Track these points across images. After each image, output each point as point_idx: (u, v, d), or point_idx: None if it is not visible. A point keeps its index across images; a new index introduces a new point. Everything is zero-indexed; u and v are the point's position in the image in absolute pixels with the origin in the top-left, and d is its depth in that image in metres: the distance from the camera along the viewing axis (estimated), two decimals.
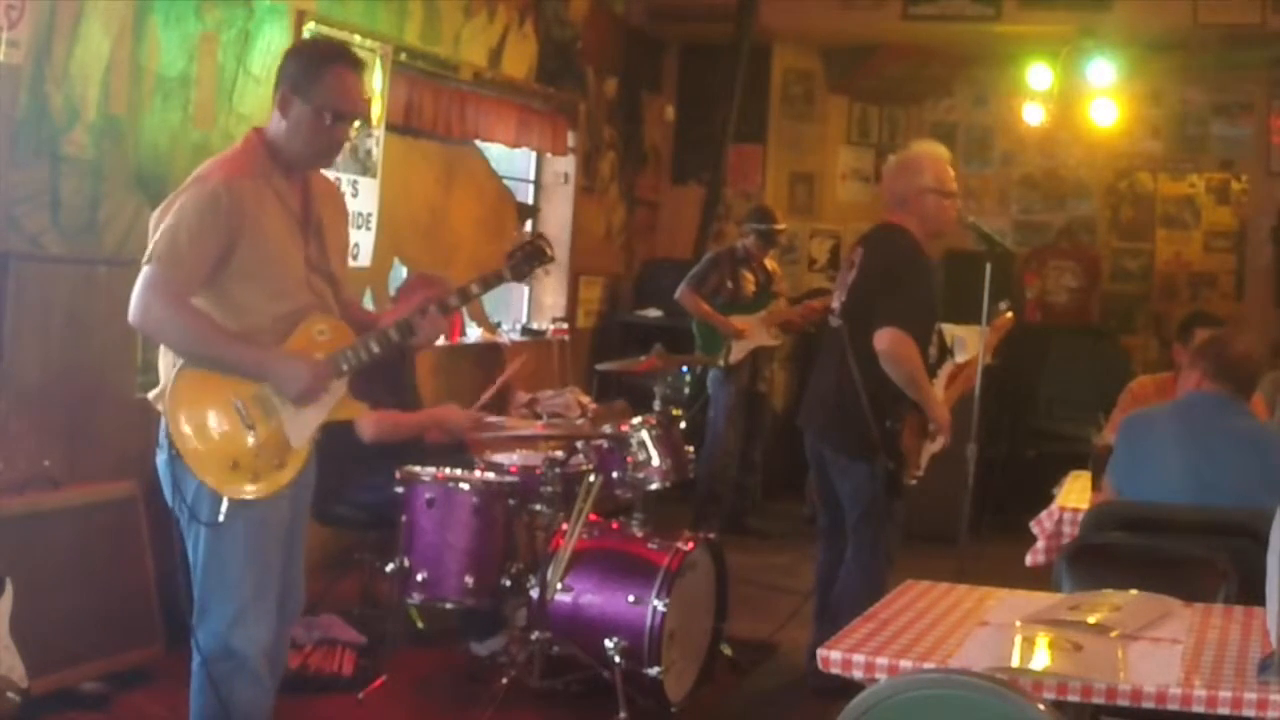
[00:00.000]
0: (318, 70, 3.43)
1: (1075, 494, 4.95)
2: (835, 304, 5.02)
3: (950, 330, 7.86)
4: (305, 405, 3.42)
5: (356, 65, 3.51)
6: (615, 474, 4.99)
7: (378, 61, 6.37)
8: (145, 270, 3.30)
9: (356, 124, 3.53)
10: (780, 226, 7.92)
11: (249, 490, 3.35)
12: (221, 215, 3.29)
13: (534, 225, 8.56)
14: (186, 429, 3.32)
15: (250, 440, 3.36)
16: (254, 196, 3.35)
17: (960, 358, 5.25)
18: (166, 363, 3.39)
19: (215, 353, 3.34)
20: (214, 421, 3.34)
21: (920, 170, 4.91)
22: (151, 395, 3.40)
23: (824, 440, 4.98)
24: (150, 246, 3.31)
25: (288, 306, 3.42)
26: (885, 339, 4.65)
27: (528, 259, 3.80)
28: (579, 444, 5.11)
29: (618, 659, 4.56)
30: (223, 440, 3.34)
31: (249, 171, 3.38)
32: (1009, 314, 5.28)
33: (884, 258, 4.85)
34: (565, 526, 4.82)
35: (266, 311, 3.39)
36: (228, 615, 3.37)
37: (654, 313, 9.02)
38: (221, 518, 3.32)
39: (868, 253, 4.93)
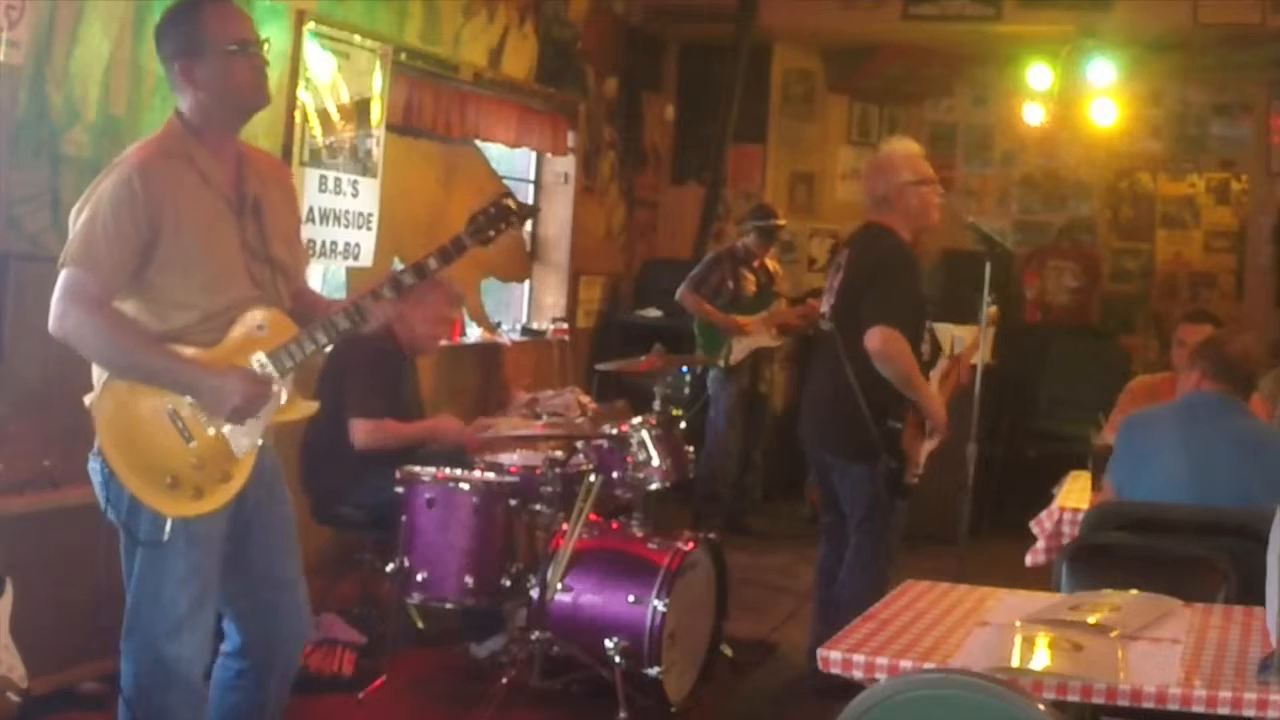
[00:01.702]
0: (194, 21, 3.16)
1: (1075, 494, 4.94)
2: (825, 308, 5.03)
3: (950, 330, 7.86)
4: (244, 419, 3.16)
5: None
6: (615, 474, 4.99)
7: (378, 61, 6.37)
8: (61, 274, 3.05)
9: (266, 45, 3.23)
10: (781, 222, 7.93)
11: (193, 508, 3.12)
12: (139, 203, 3.03)
13: (534, 225, 8.56)
14: (119, 445, 3.10)
15: (189, 453, 3.12)
16: (172, 179, 3.10)
17: (951, 351, 5.25)
18: (97, 370, 3.16)
19: (139, 364, 3.09)
20: (148, 435, 3.10)
21: (896, 168, 4.93)
22: (87, 400, 3.16)
23: (823, 444, 4.99)
24: (65, 247, 3.08)
25: (223, 300, 3.15)
26: (876, 338, 4.65)
27: (490, 221, 3.37)
28: (579, 444, 5.11)
29: (618, 659, 4.56)
30: (159, 456, 3.10)
31: (167, 151, 3.14)
32: (994, 308, 5.29)
33: (870, 258, 4.85)
34: (565, 526, 4.82)
35: (200, 306, 3.13)
36: (161, 630, 3.16)
37: (654, 313, 9.02)
38: (165, 537, 3.10)
39: (854, 254, 4.94)
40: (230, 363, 3.16)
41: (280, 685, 3.45)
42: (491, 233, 3.39)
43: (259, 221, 3.24)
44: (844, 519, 4.98)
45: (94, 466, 3.18)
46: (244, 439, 3.20)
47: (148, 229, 3.07)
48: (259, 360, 3.20)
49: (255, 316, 3.20)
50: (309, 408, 3.39)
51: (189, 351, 3.15)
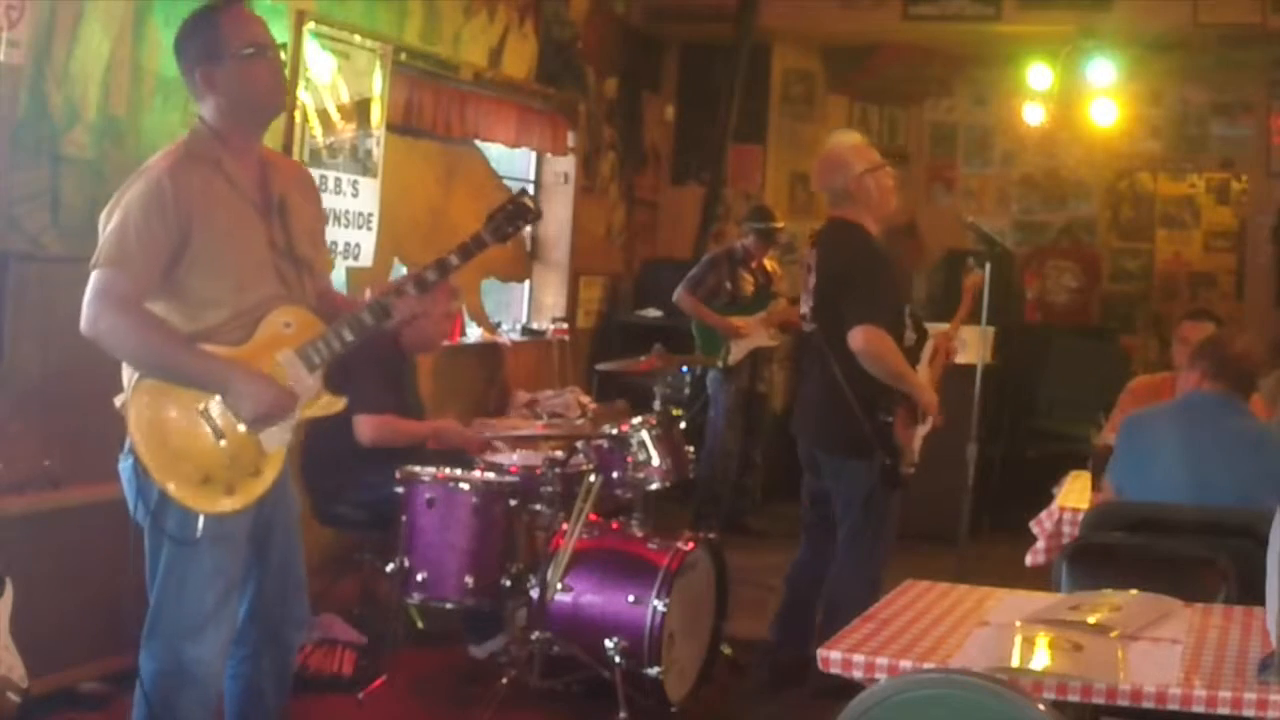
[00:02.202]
0: (211, 27, 3.26)
1: (1075, 494, 4.95)
2: (805, 310, 5.03)
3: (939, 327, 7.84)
4: (264, 427, 3.22)
5: (240, 1, 3.36)
6: (615, 474, 4.99)
7: (378, 61, 6.37)
8: (93, 276, 3.13)
9: (283, 49, 3.35)
10: (779, 225, 7.94)
11: (225, 504, 3.18)
12: (169, 207, 3.11)
13: (534, 225, 8.57)
14: (151, 443, 3.14)
15: (220, 450, 3.18)
16: (201, 183, 3.18)
17: (936, 330, 5.25)
18: (127, 370, 3.22)
19: (170, 364, 3.15)
20: (180, 433, 3.16)
21: (848, 160, 4.94)
22: (117, 401, 3.22)
23: (817, 443, 4.98)
24: (97, 250, 3.15)
25: (252, 298, 3.23)
26: (859, 338, 4.66)
27: (509, 219, 3.46)
28: (579, 444, 5.11)
29: (618, 659, 4.56)
30: (191, 453, 3.16)
31: (193, 156, 3.22)
32: (978, 274, 5.30)
33: (839, 256, 4.86)
34: (565, 526, 4.82)
35: (229, 305, 3.20)
36: (184, 629, 3.21)
37: (654, 313, 9.02)
38: (199, 534, 3.15)
39: (822, 254, 4.94)
40: (259, 362, 3.23)
41: (278, 668, 3.51)
42: (510, 230, 3.47)
43: (285, 222, 3.31)
44: (826, 518, 4.99)
45: (124, 466, 3.23)
46: (275, 435, 3.26)
47: (177, 230, 3.13)
48: (286, 357, 3.26)
49: (282, 315, 3.27)
50: (336, 403, 3.44)
51: (219, 350, 3.21)
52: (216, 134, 3.27)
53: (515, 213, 3.47)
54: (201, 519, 3.16)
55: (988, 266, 5.08)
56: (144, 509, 3.20)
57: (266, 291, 3.26)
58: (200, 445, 3.18)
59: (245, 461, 3.22)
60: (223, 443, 3.19)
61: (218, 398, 3.19)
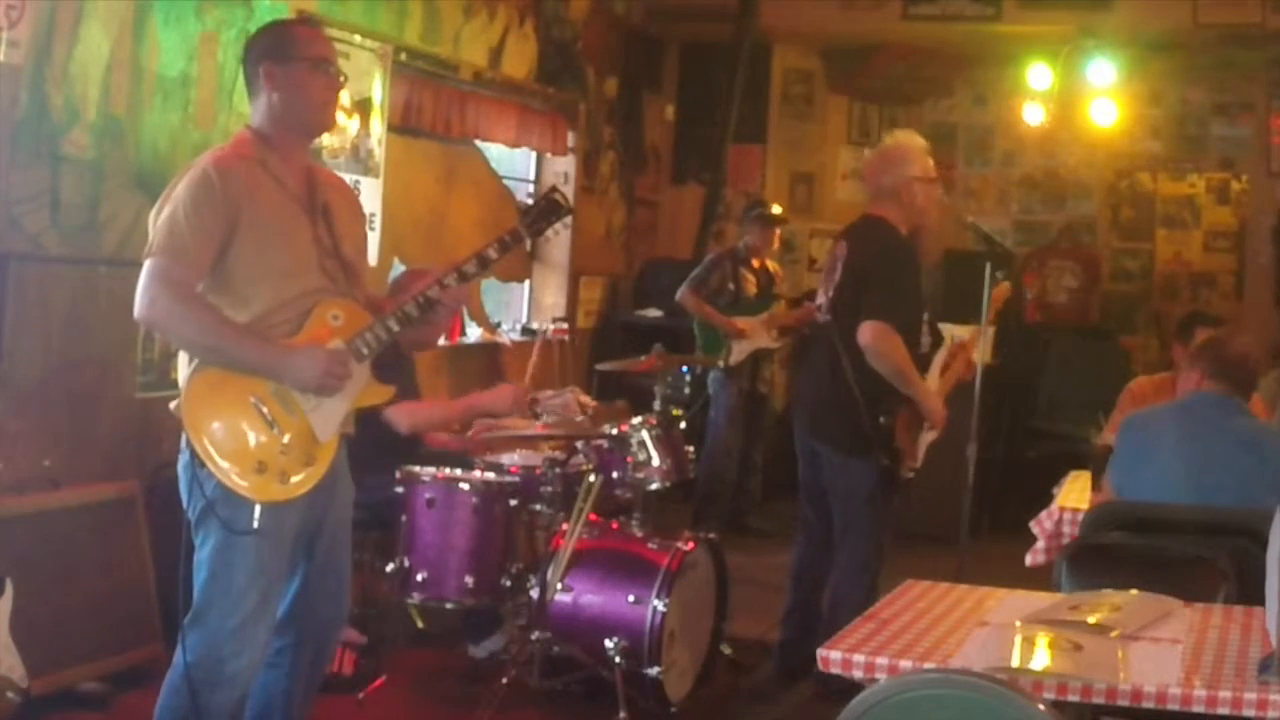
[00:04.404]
0: (286, 32, 3.48)
1: (1075, 494, 4.95)
2: (822, 299, 5.03)
3: (950, 330, 7.85)
4: (325, 395, 3.28)
5: (318, 25, 3.48)
6: (615, 474, 4.99)
7: (378, 61, 6.37)
8: (147, 263, 3.20)
9: (343, 78, 3.46)
10: (779, 212, 7.91)
11: (279, 492, 3.23)
12: (216, 196, 3.19)
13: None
14: (206, 434, 3.20)
15: (274, 439, 3.24)
16: (246, 177, 3.26)
17: (951, 342, 5.23)
18: (183, 368, 3.29)
19: (223, 346, 3.21)
20: (234, 423, 3.21)
21: (907, 160, 4.92)
22: (172, 406, 3.27)
23: (817, 436, 4.97)
24: (150, 240, 3.23)
25: (297, 289, 3.29)
26: (868, 333, 4.65)
27: (543, 215, 3.55)
28: (579, 444, 5.11)
29: (618, 659, 4.56)
30: (245, 442, 3.21)
31: (240, 155, 3.31)
32: (1005, 283, 5.29)
33: (868, 251, 4.85)
34: (565, 526, 4.82)
35: (276, 296, 3.26)
36: (227, 626, 3.25)
37: (654, 313, 9.02)
38: (256, 524, 3.19)
39: (852, 247, 4.93)
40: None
41: (314, 664, 3.56)
42: (543, 225, 3.57)
43: (330, 225, 3.39)
44: (824, 516, 4.99)
45: (182, 461, 3.28)
46: (326, 422, 3.31)
47: (225, 218, 3.21)
48: (336, 349, 3.32)
49: (330, 307, 3.34)
50: (385, 392, 3.50)
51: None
52: (263, 139, 3.36)
53: (549, 209, 3.56)
54: (258, 509, 3.21)
55: (988, 267, 5.06)
56: (200, 499, 3.23)
57: (312, 284, 3.33)
58: (255, 434, 3.23)
59: (298, 450, 3.27)
60: (276, 431, 3.24)
61: (271, 387, 3.24)
